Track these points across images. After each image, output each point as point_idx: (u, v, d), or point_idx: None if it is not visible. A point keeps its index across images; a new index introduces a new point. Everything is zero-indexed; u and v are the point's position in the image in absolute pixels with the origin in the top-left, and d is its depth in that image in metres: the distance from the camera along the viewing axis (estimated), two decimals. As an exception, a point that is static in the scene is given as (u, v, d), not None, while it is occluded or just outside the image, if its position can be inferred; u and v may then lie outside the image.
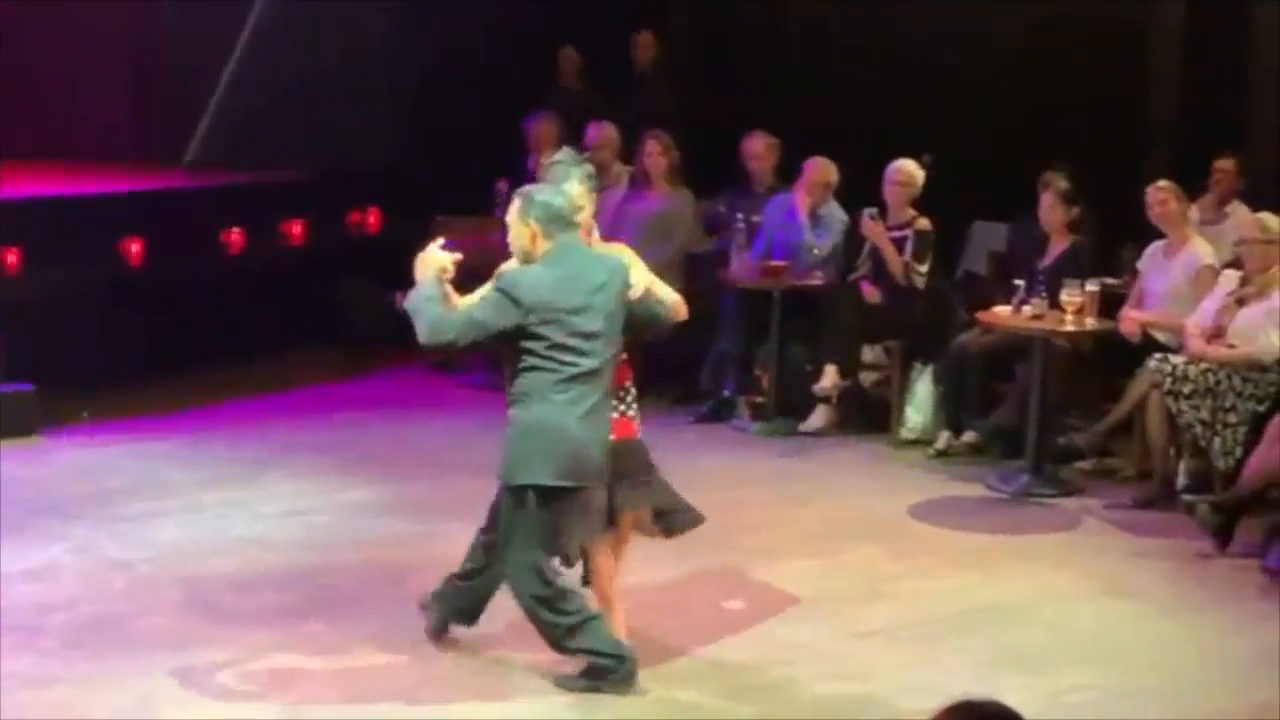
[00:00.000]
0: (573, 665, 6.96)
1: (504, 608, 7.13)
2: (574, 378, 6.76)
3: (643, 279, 7.04)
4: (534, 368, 6.76)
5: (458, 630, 7.31)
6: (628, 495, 7.10)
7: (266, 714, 6.68)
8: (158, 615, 7.64)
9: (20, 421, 10.44)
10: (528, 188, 7.03)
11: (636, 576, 8.13)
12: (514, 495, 6.84)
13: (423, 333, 6.77)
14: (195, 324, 11.78)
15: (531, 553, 6.82)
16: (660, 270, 11.59)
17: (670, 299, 7.17)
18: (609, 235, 11.91)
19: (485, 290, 6.91)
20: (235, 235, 12.34)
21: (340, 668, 7.09)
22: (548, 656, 7.02)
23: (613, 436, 6.98)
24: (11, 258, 11.09)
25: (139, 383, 11.24)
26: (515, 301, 6.71)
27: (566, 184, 7.01)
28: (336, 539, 8.77)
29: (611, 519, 7.07)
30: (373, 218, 12.96)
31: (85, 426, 10.70)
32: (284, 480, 9.71)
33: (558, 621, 6.86)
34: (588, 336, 6.77)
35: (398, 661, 7.14)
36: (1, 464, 9.84)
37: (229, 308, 11.95)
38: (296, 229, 12.64)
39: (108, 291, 11.48)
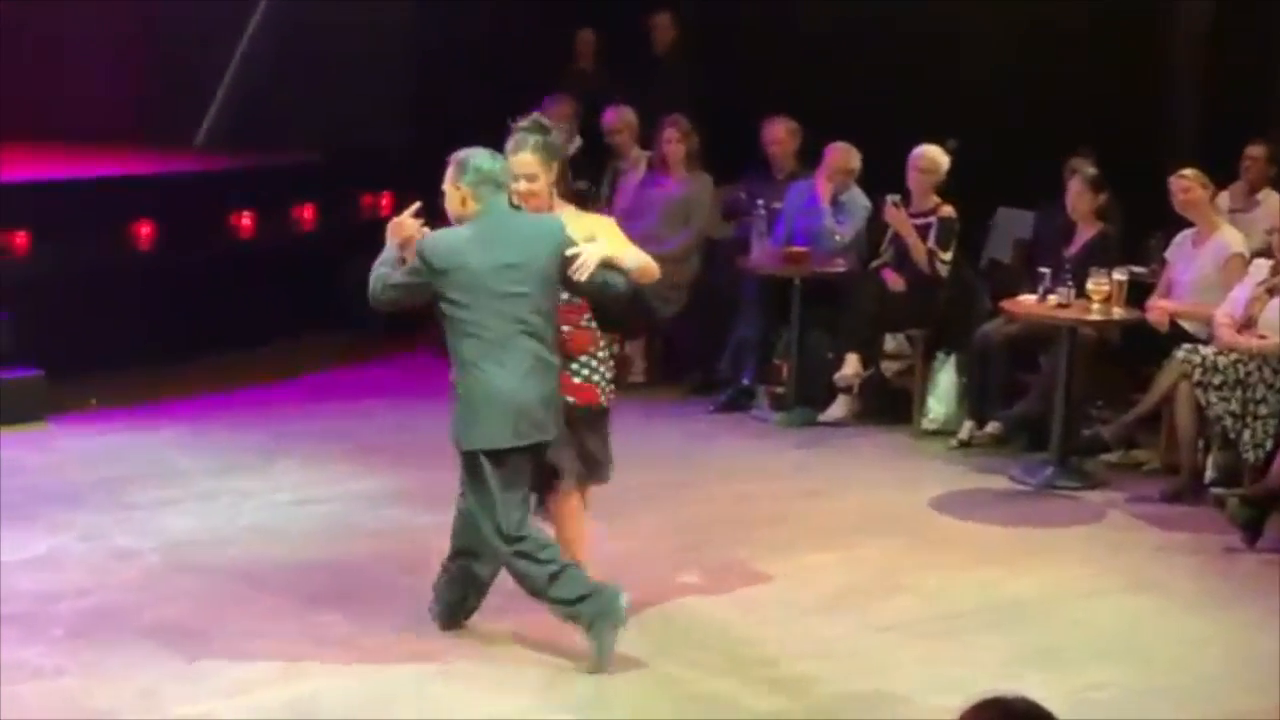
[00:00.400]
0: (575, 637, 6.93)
1: (517, 594, 7.02)
2: (506, 340, 6.81)
3: (599, 246, 7.03)
4: (466, 334, 6.85)
5: (472, 621, 7.21)
6: (570, 467, 7.21)
7: (277, 705, 6.58)
8: (167, 605, 7.55)
9: (28, 407, 10.37)
10: (462, 152, 7.03)
11: (654, 569, 8.07)
12: (468, 461, 6.93)
13: (368, 295, 7.04)
14: (205, 309, 11.70)
15: (495, 512, 6.86)
16: (679, 256, 11.64)
17: (636, 264, 7.16)
18: (627, 219, 11.88)
19: None
20: (246, 219, 12.25)
21: (352, 658, 7.00)
22: (562, 643, 6.97)
23: (572, 399, 7.10)
24: (20, 240, 11.01)
25: (148, 368, 11.16)
26: (427, 264, 6.84)
27: (516, 152, 7.13)
28: (347, 528, 8.68)
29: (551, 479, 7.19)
30: (385, 201, 12.84)
31: (93, 413, 10.60)
32: (294, 468, 9.62)
33: (538, 572, 6.90)
34: (515, 297, 6.82)
35: (410, 651, 7.04)
36: (9, 451, 9.77)
37: (239, 293, 11.86)
38: (308, 213, 12.56)
39: (117, 276, 11.40)
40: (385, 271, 7.00)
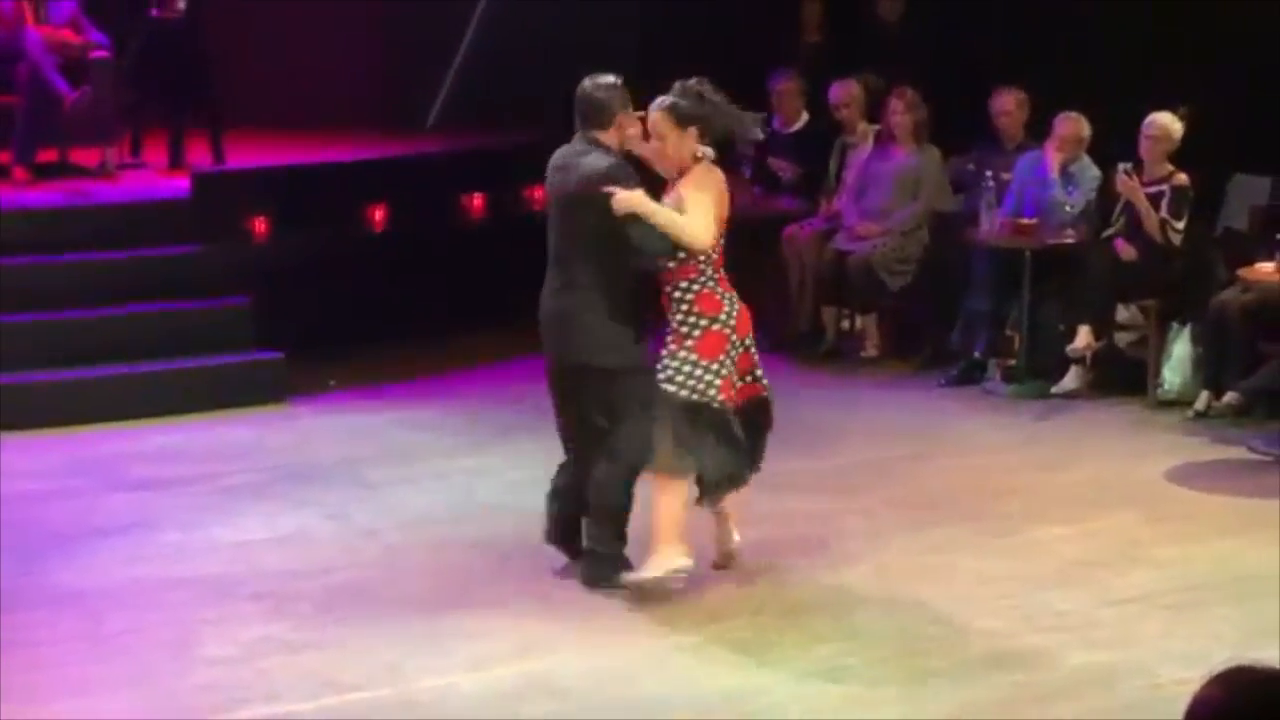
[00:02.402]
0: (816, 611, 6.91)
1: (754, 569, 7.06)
2: (549, 258, 7.53)
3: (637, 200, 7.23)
4: None
5: (708, 596, 7.27)
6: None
7: (518, 678, 6.68)
8: (408, 581, 7.69)
9: (270, 389, 10.61)
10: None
11: (886, 543, 8.07)
12: None
13: None
14: (440, 289, 11.85)
15: None
16: (908, 229, 11.60)
17: (678, 231, 7.20)
18: (855, 195, 11.88)
19: None
20: (477, 199, 12.38)
21: (590, 632, 7.09)
22: (803, 617, 6.97)
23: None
24: (260, 226, 11.25)
25: (385, 349, 11.35)
26: None
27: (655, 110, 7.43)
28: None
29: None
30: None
31: (332, 394, 10.80)
32: (532, 446, 9.67)
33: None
34: (550, 220, 7.53)
35: (649, 626, 7.11)
36: (252, 431, 10.01)
37: (473, 273, 11.98)
38: (538, 193, 12.63)
39: (353, 259, 11.59)
40: None
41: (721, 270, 7.35)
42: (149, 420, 10.09)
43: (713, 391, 7.20)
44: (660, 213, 7.21)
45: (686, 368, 7.22)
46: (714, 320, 7.26)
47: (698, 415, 7.19)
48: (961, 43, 13.07)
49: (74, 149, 12.20)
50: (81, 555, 7.95)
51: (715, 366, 7.22)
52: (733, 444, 7.28)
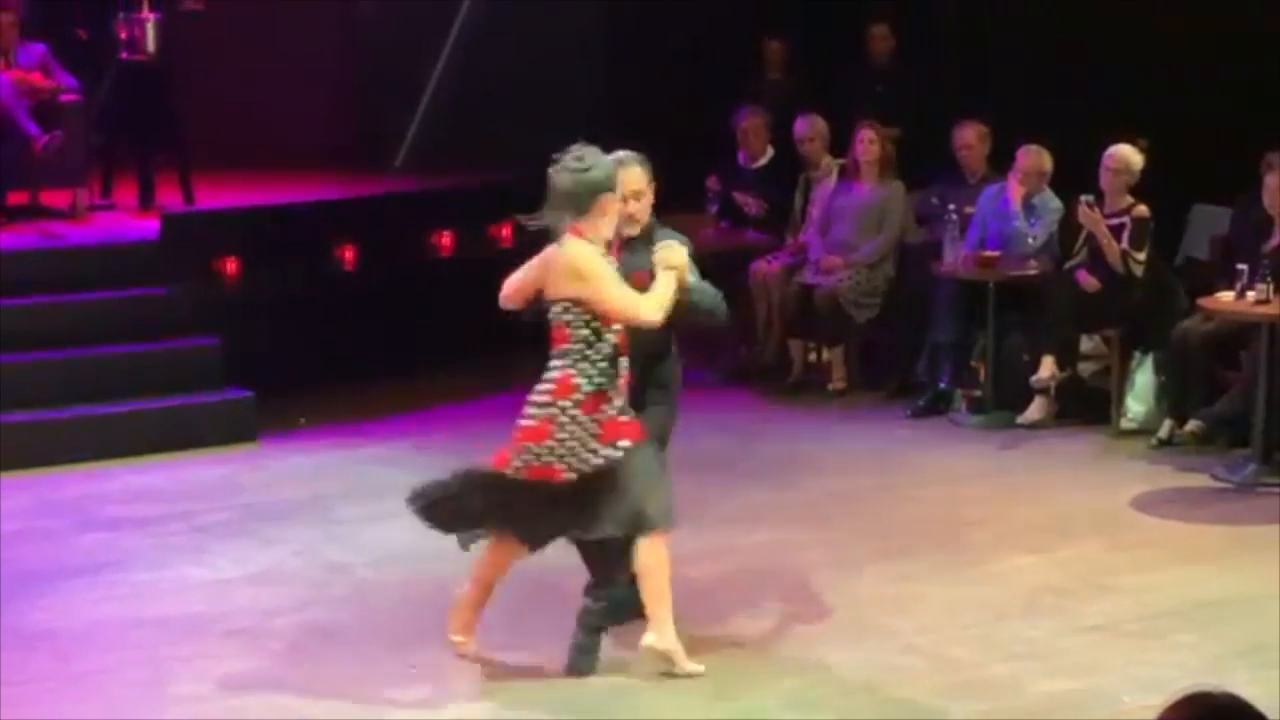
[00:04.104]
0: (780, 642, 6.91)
1: (723, 604, 7.10)
2: None
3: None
4: None
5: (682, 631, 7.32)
6: None
7: (486, 713, 6.74)
8: (379, 618, 7.74)
9: (240, 427, 10.65)
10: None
11: (853, 573, 8.13)
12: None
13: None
14: (409, 328, 11.90)
15: None
16: (872, 262, 11.68)
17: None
18: (821, 229, 11.96)
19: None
20: (445, 238, 12.44)
21: (560, 665, 7.09)
22: (770, 647, 6.96)
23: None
24: (230, 266, 11.28)
25: (354, 387, 11.38)
26: None
27: (626, 167, 7.06)
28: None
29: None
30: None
31: (303, 432, 10.84)
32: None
33: None
34: None
35: (616, 658, 7.13)
36: (223, 469, 10.05)
37: (442, 311, 12.03)
38: (505, 231, 12.69)
39: (323, 298, 11.63)
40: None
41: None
42: (120, 460, 10.11)
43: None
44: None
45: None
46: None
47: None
48: (931, 77, 13.18)
49: (44, 191, 12.23)
50: (53, 595, 7.97)
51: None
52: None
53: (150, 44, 12.08)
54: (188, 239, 11.36)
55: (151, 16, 12.09)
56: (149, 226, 11.55)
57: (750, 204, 12.46)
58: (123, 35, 12.10)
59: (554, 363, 6.85)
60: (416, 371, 11.82)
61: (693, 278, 7.00)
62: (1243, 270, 9.85)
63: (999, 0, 13.45)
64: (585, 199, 6.76)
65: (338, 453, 10.43)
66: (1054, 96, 12.56)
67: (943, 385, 11.29)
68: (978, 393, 11.23)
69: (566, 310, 6.79)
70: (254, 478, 9.96)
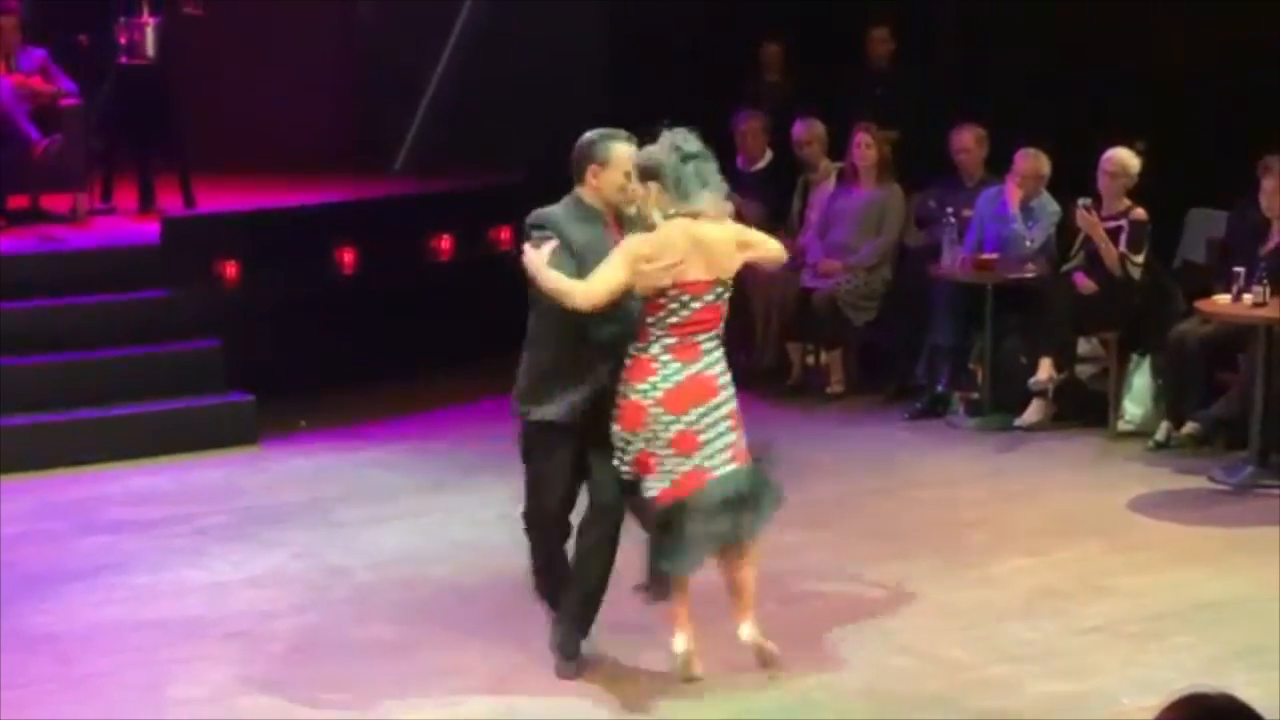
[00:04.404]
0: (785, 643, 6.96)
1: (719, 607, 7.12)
2: None
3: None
4: None
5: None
6: None
7: (486, 714, 6.75)
8: (379, 620, 7.75)
9: (241, 431, 10.67)
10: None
11: (852, 575, 8.15)
12: None
13: None
14: (409, 331, 11.92)
15: None
16: (870, 265, 11.70)
17: (559, 296, 6.66)
18: (819, 232, 11.98)
19: None
20: (444, 241, 12.47)
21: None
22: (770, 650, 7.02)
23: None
24: (230, 269, 11.31)
25: (355, 390, 11.41)
26: None
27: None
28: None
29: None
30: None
31: (304, 435, 10.86)
32: (498, 484, 9.72)
33: None
34: None
35: (615, 661, 7.17)
36: (224, 473, 10.08)
37: (441, 314, 12.06)
38: (504, 234, 12.72)
39: (323, 301, 11.66)
40: None
41: (688, 336, 6.74)
42: (121, 463, 10.16)
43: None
44: (544, 277, 6.65)
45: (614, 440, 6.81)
46: (632, 390, 6.72)
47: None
48: (930, 79, 13.20)
49: (45, 195, 12.27)
50: (53, 598, 8.00)
51: (630, 438, 6.75)
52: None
53: (150, 48, 12.12)
54: (188, 242, 11.39)
55: (151, 21, 12.13)
56: (149, 230, 11.59)
57: (749, 207, 12.44)
58: (123, 40, 12.14)
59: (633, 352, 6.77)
60: (416, 374, 11.85)
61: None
62: (1239, 273, 9.86)
63: (998, 4, 13.47)
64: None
65: (338, 456, 10.46)
66: (1052, 100, 12.58)
67: (941, 388, 11.31)
68: (976, 395, 11.25)
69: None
70: (254, 480, 9.98)
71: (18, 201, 12.17)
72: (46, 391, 10.41)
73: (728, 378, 6.81)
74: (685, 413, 6.68)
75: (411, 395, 11.62)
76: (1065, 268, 11.02)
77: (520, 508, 7.13)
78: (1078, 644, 7.40)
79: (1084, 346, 11.23)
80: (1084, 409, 11.05)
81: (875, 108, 12.47)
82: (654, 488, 6.73)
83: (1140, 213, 10.76)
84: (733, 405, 6.81)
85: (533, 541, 7.12)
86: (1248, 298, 9.77)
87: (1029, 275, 11.10)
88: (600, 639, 7.23)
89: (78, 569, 8.41)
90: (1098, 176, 10.83)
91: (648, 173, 6.80)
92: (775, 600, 7.81)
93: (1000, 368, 11.14)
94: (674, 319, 6.70)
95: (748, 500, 6.82)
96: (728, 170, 11.50)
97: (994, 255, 11.09)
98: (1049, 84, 12.75)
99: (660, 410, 6.67)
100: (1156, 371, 10.66)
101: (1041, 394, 10.91)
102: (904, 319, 11.67)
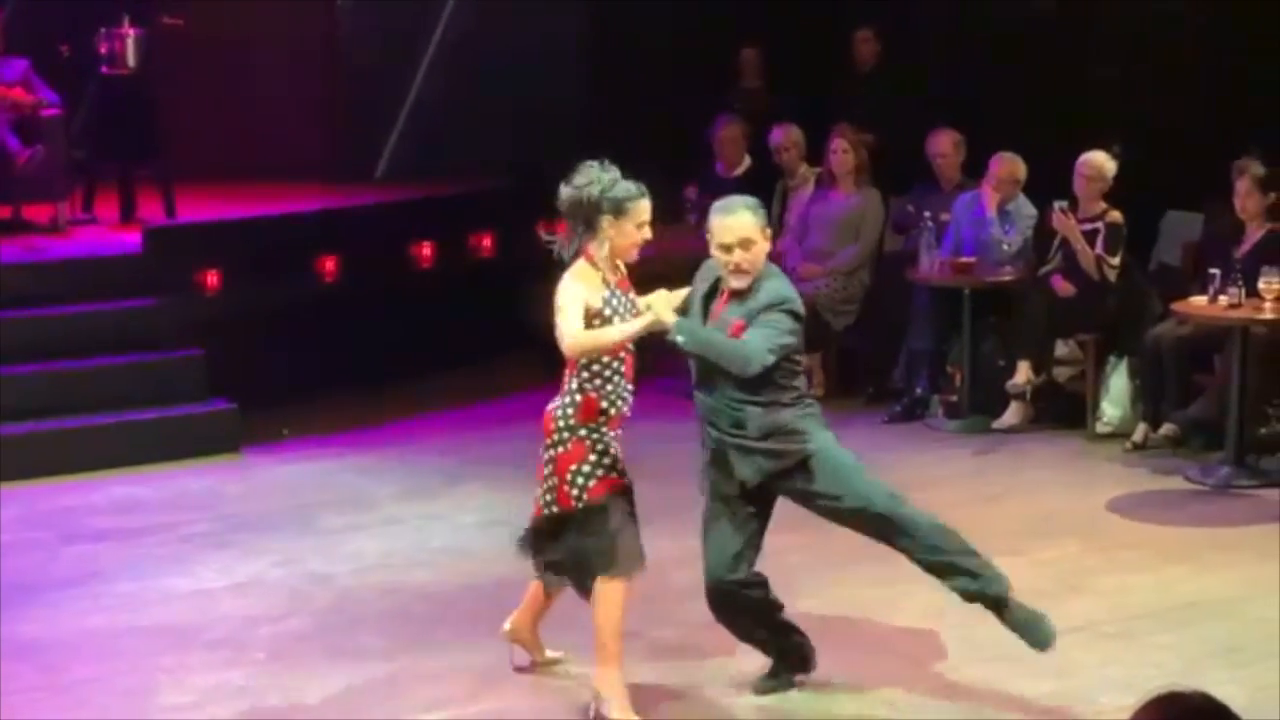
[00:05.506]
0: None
1: (692, 610, 7.15)
2: None
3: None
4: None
5: (651, 637, 7.35)
6: None
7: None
8: (362, 627, 7.78)
9: (223, 439, 10.70)
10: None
11: (832, 577, 8.18)
12: None
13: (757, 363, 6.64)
14: (389, 339, 11.96)
15: None
16: (849, 270, 11.75)
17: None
18: (798, 237, 12.04)
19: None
20: (426, 248, 12.49)
21: (542, 671, 7.19)
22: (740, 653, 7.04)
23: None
24: (211, 279, 11.33)
25: (338, 398, 11.44)
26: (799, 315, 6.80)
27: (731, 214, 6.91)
28: (534, 547, 8.82)
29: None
30: (561, 227, 13.00)
31: (286, 443, 10.89)
32: (479, 491, 9.81)
33: None
34: None
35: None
36: (207, 481, 10.10)
37: (422, 321, 12.09)
38: (486, 241, 12.75)
39: (304, 309, 11.69)
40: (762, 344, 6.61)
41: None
42: (105, 472, 10.17)
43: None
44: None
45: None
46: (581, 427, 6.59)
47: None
48: (913, 81, 13.24)
49: (26, 205, 12.28)
50: (39, 606, 8.02)
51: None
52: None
53: (131, 59, 12.15)
54: (170, 252, 11.41)
55: (132, 31, 12.17)
56: (131, 240, 11.61)
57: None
58: (104, 50, 12.17)
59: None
60: (398, 382, 11.88)
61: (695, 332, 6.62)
62: (1215, 275, 9.92)
63: (976, 6, 13.53)
64: (580, 215, 6.76)
65: (321, 463, 10.49)
66: (1028, 104, 12.65)
67: (920, 391, 11.37)
68: (954, 398, 11.31)
69: None
70: (237, 489, 10.01)
71: (-1, 212, 12.20)
72: (29, 401, 10.42)
73: (565, 422, 6.61)
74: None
75: (393, 403, 11.65)
76: (1042, 271, 11.08)
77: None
78: (1057, 643, 7.43)
79: (1062, 349, 11.30)
80: (1062, 411, 11.12)
81: (857, 110, 12.52)
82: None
83: (1116, 215, 10.83)
84: (553, 451, 6.62)
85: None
86: (1223, 299, 9.83)
87: (1006, 278, 11.15)
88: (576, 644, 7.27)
89: (63, 577, 8.43)
90: (1074, 180, 10.89)
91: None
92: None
93: (979, 370, 11.20)
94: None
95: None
96: (708, 176, 11.60)
97: (972, 259, 11.16)
98: (1024, 88, 12.80)
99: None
100: (1134, 373, 10.72)
101: (1020, 396, 10.98)
102: (883, 323, 11.72)
